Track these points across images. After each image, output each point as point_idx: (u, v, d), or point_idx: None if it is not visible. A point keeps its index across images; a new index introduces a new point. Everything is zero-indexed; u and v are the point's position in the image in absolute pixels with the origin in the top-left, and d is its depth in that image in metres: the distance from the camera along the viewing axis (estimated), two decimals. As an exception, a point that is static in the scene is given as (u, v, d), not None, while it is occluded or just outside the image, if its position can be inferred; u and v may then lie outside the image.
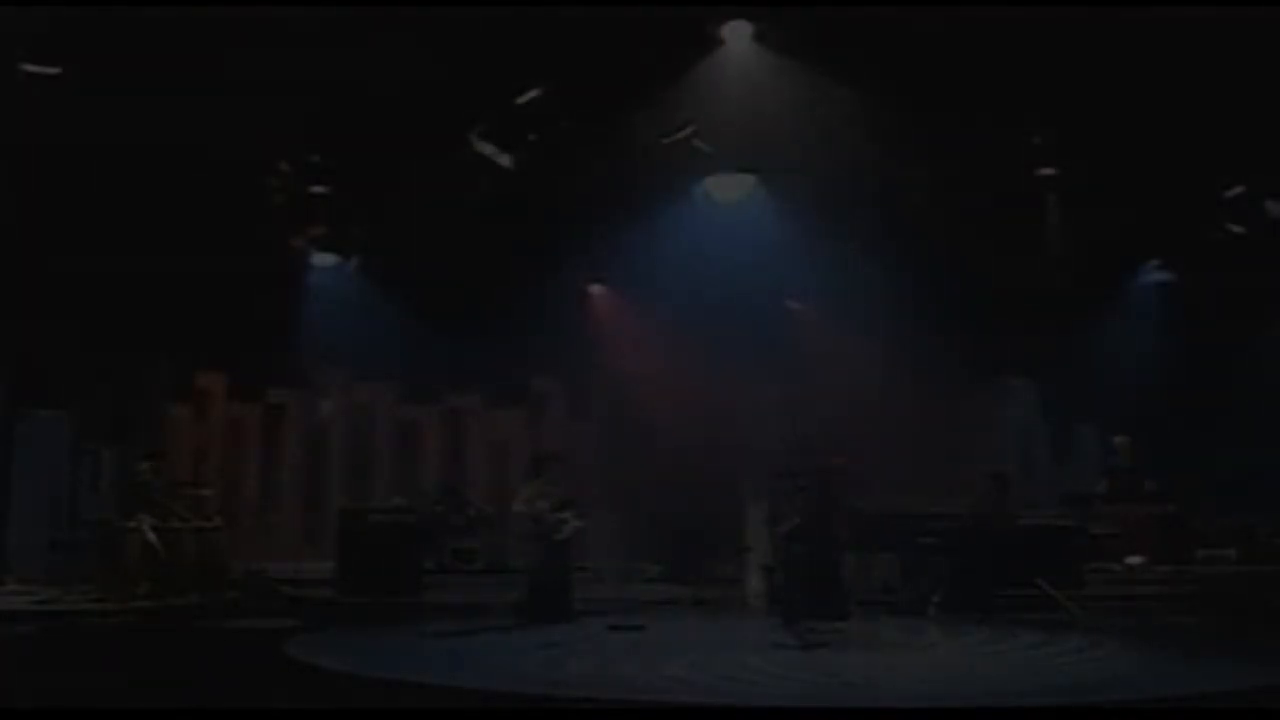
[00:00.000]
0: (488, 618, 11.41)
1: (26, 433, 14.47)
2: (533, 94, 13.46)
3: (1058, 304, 15.36)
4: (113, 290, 13.74)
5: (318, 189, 14.65)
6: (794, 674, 8.49)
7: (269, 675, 8.52)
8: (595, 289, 16.93)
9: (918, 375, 14.90)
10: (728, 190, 15.53)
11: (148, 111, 12.48)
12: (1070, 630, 10.42)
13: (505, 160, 14.07)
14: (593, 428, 16.42)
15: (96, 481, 14.55)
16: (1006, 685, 8.22)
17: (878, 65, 12.56)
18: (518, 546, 12.50)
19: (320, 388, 16.46)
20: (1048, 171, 14.68)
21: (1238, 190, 14.60)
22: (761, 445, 14.06)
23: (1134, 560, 13.26)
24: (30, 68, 11.90)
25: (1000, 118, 13.54)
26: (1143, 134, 13.21)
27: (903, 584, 12.16)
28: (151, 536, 12.28)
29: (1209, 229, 14.87)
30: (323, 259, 16.00)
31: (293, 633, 10.28)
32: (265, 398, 16.29)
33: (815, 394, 14.94)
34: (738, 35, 13.25)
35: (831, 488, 11.06)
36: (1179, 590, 12.47)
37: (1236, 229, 14.72)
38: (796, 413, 14.35)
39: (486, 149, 14.07)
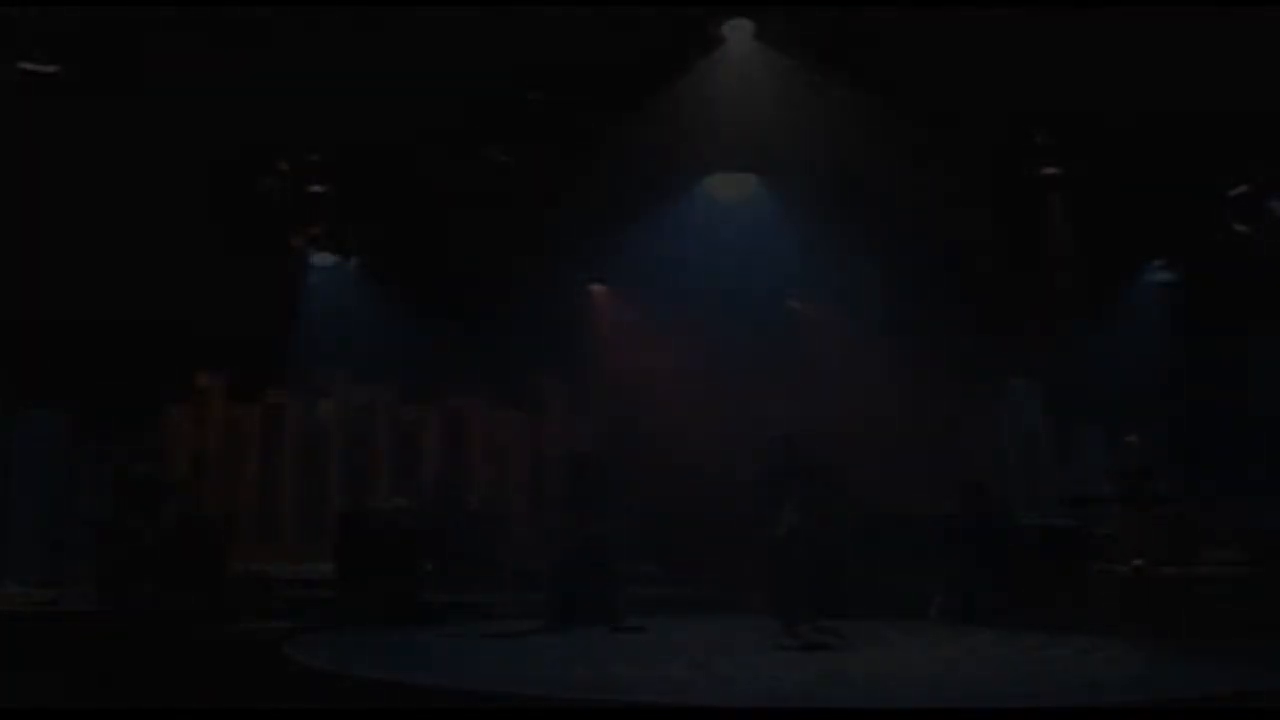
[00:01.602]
0: (494, 619, 11.42)
1: (26, 433, 14.47)
2: (533, 94, 13.44)
3: (1060, 303, 15.32)
4: (112, 289, 13.72)
5: (317, 189, 14.64)
6: (794, 674, 8.47)
7: (268, 676, 8.50)
8: (595, 289, 16.91)
9: (919, 375, 14.86)
10: (728, 190, 15.51)
11: (147, 110, 12.48)
12: (1073, 631, 10.39)
13: (505, 160, 14.06)
14: (593, 428, 16.39)
15: (97, 481, 14.51)
16: (1008, 686, 8.19)
17: (879, 64, 12.54)
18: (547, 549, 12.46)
19: (320, 388, 16.42)
20: (1051, 170, 14.65)
21: (1242, 189, 14.56)
22: (760, 445, 14.01)
23: (1139, 562, 13.20)
24: (28, 65, 11.89)
25: (1003, 116, 13.52)
26: (1146, 132, 13.18)
27: (905, 584, 12.13)
28: (150, 537, 12.26)
29: (1213, 228, 14.83)
30: (323, 259, 15.99)
31: (292, 633, 10.27)
32: (265, 398, 16.26)
33: (815, 394, 14.90)
34: (738, 33, 13.23)
35: (822, 488, 11.03)
36: (1183, 591, 12.41)
37: (1241, 228, 14.68)
38: (793, 416, 14.30)
39: (486, 149, 14.06)
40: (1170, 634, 10.34)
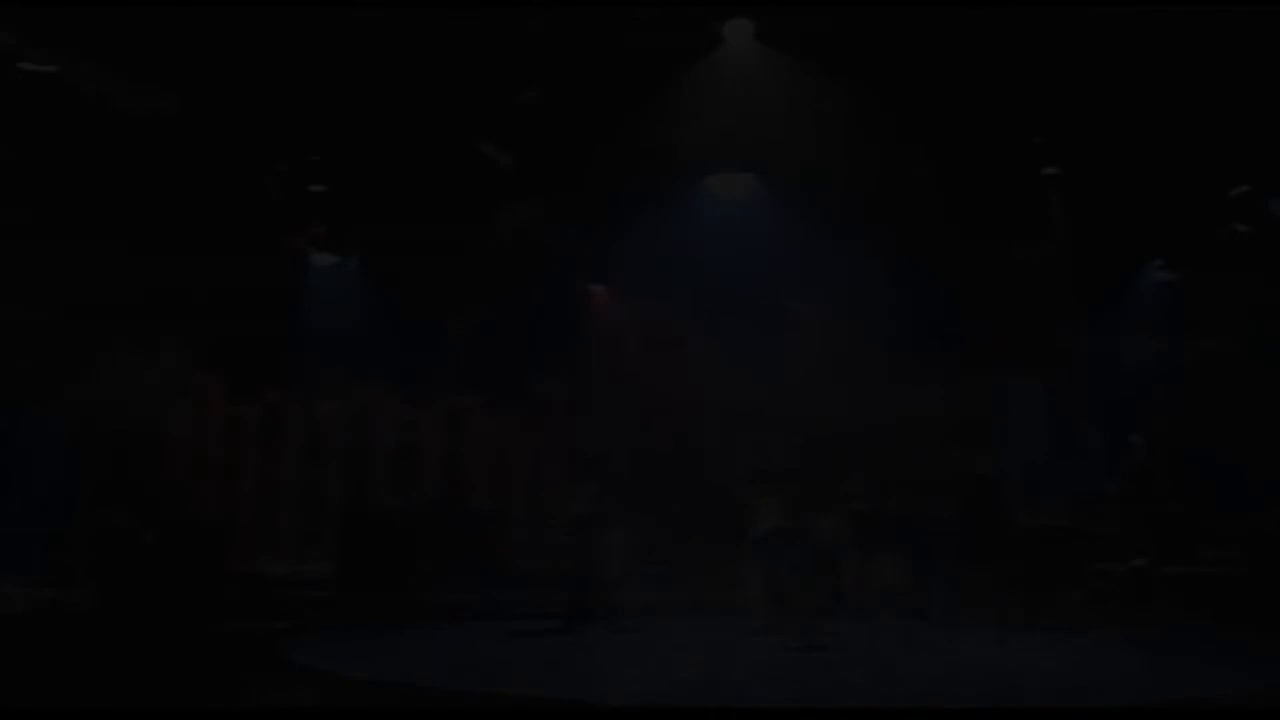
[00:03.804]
0: (495, 619, 11.43)
1: (26, 433, 14.47)
2: (533, 94, 13.43)
3: (1061, 303, 15.31)
4: (113, 289, 13.73)
5: (317, 189, 14.63)
6: (793, 674, 8.46)
7: (267, 676, 8.50)
8: (595, 289, 16.92)
9: (919, 375, 14.87)
10: (728, 190, 15.51)
11: (147, 110, 12.48)
12: (1072, 631, 10.40)
13: (505, 160, 14.05)
14: (592, 427, 16.38)
15: (101, 481, 14.52)
16: (1007, 686, 8.19)
17: (879, 64, 12.53)
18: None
19: (320, 388, 16.43)
20: (1051, 171, 14.64)
21: (1243, 189, 14.55)
22: (759, 445, 14.05)
23: (1139, 562, 13.20)
24: (28, 65, 11.89)
25: (1003, 117, 13.51)
26: (1147, 132, 13.17)
27: (903, 585, 12.13)
28: (150, 536, 12.26)
29: (1214, 228, 14.82)
30: (323, 259, 15.99)
31: (291, 633, 10.27)
32: (264, 397, 16.26)
33: (814, 393, 14.91)
34: (738, 33, 13.22)
35: (799, 488, 11.04)
36: (1183, 591, 12.42)
37: (1241, 228, 14.68)
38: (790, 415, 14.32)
39: (487, 149, 14.05)
40: (1170, 634, 10.34)
